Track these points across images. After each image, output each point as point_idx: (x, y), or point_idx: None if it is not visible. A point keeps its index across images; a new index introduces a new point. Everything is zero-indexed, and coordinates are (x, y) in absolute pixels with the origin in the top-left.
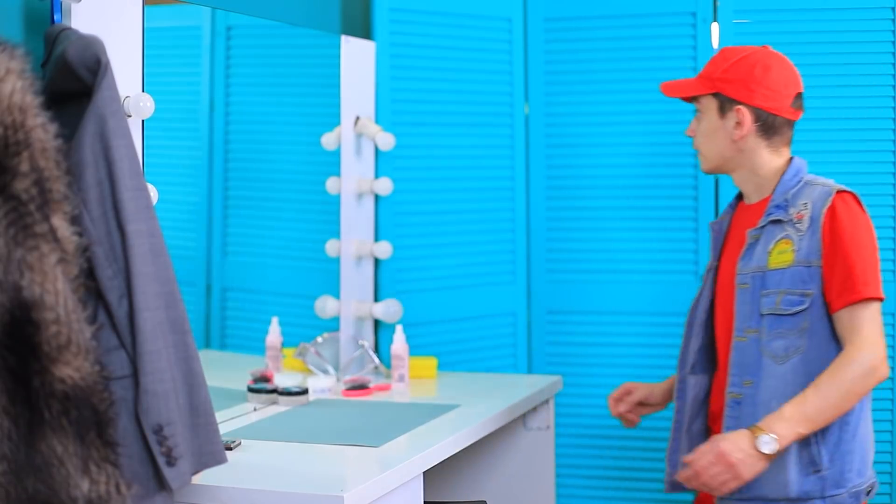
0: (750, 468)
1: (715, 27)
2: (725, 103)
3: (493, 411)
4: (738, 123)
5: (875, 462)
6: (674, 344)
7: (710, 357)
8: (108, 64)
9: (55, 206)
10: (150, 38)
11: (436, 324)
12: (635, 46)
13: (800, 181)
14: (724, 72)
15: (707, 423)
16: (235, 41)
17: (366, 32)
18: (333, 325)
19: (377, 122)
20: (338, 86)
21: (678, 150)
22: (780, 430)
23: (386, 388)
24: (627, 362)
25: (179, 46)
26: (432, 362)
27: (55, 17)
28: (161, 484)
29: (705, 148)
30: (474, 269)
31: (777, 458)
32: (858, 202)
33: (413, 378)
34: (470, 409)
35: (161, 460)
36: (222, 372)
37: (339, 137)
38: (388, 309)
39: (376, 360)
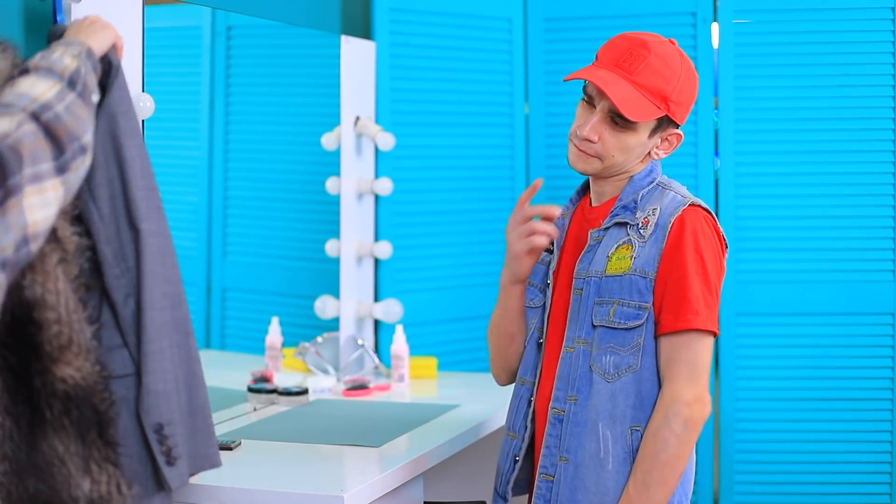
0: None
1: (715, 27)
2: (664, 124)
3: (493, 411)
4: (664, 144)
5: (875, 462)
6: None
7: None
8: (119, 65)
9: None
10: (150, 38)
11: (436, 324)
12: None
13: (652, 182)
14: (678, 94)
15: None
16: (235, 41)
17: (366, 32)
18: (333, 325)
19: (377, 122)
20: (338, 86)
21: (678, 149)
22: None
23: (386, 388)
24: None
25: (179, 46)
26: (432, 362)
27: (57, 17)
28: (160, 484)
29: (618, 161)
30: (474, 269)
31: (600, 490)
32: (713, 222)
33: (413, 378)
34: (470, 409)
35: (161, 459)
36: (222, 372)
37: (339, 137)
38: (388, 309)
39: (376, 360)
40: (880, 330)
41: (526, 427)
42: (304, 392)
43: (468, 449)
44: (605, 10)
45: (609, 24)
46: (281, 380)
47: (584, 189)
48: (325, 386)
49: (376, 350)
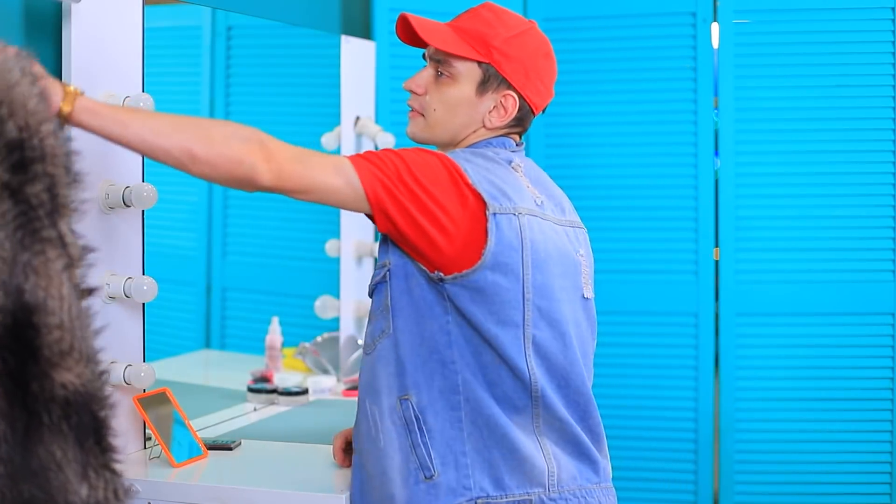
0: None
1: (715, 27)
2: (492, 80)
3: None
4: (499, 109)
5: (875, 462)
6: (676, 343)
7: None
8: None
9: (63, 212)
10: (150, 38)
11: None
12: (635, 46)
13: None
14: (504, 42)
15: None
16: (235, 41)
17: (366, 32)
18: (333, 325)
19: (377, 122)
20: (338, 86)
21: (678, 150)
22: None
23: None
24: (626, 362)
25: (179, 46)
26: None
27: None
28: None
29: (441, 118)
30: None
31: (378, 471)
32: (441, 156)
33: None
34: None
35: None
36: (222, 372)
37: (339, 137)
38: None
39: None
40: (880, 330)
41: None
42: (304, 392)
43: None
44: (604, 10)
45: (609, 23)
46: (281, 380)
47: None
48: (325, 386)
49: None
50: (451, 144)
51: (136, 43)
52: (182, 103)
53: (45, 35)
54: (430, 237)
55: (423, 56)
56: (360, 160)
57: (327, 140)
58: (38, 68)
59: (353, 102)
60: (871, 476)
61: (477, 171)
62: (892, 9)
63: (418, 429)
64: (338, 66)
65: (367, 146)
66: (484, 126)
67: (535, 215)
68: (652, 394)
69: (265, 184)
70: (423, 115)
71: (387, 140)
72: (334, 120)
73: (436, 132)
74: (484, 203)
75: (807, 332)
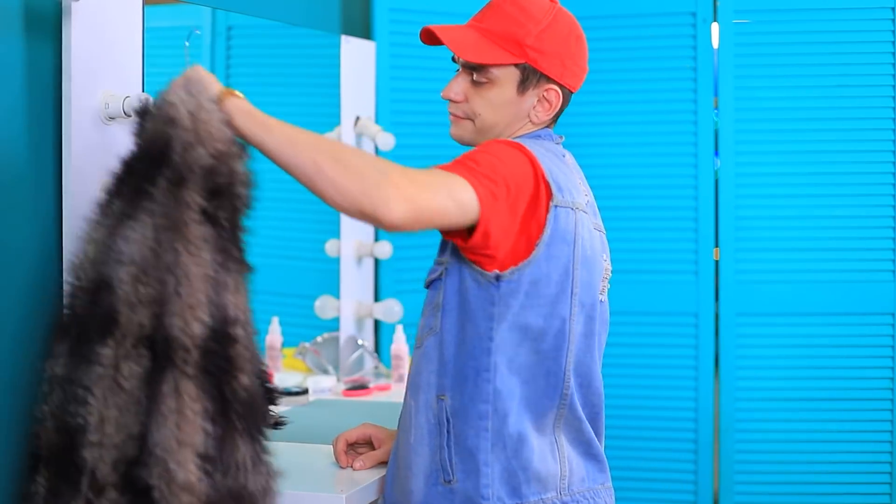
0: None
1: (715, 27)
2: (531, 78)
3: None
4: (543, 103)
5: (875, 462)
6: (676, 343)
7: None
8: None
9: (242, 232)
10: (150, 38)
11: None
12: (635, 46)
13: None
14: (537, 39)
15: None
16: (235, 41)
17: (366, 32)
18: (333, 325)
19: (377, 122)
20: (338, 86)
21: (678, 150)
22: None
23: (386, 388)
24: (625, 362)
25: (179, 46)
26: None
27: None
28: None
29: (489, 120)
30: None
31: (404, 464)
32: (518, 144)
33: None
34: None
35: None
36: None
37: (339, 137)
38: (388, 309)
39: (376, 360)
40: (880, 330)
41: None
42: (304, 392)
43: None
44: (605, 10)
45: (609, 23)
46: (281, 380)
47: None
48: (325, 386)
49: (376, 350)
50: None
51: (136, 43)
52: None
53: (45, 35)
54: (509, 238)
55: (453, 59)
56: (474, 177)
57: None
58: (209, 82)
59: (353, 102)
60: (871, 476)
61: (546, 162)
62: (892, 9)
63: (447, 432)
64: (338, 66)
65: (367, 146)
66: (530, 121)
67: (586, 212)
68: (652, 394)
69: (395, 221)
70: (468, 119)
71: (387, 140)
72: (334, 120)
73: (486, 135)
74: (551, 195)
75: (807, 332)
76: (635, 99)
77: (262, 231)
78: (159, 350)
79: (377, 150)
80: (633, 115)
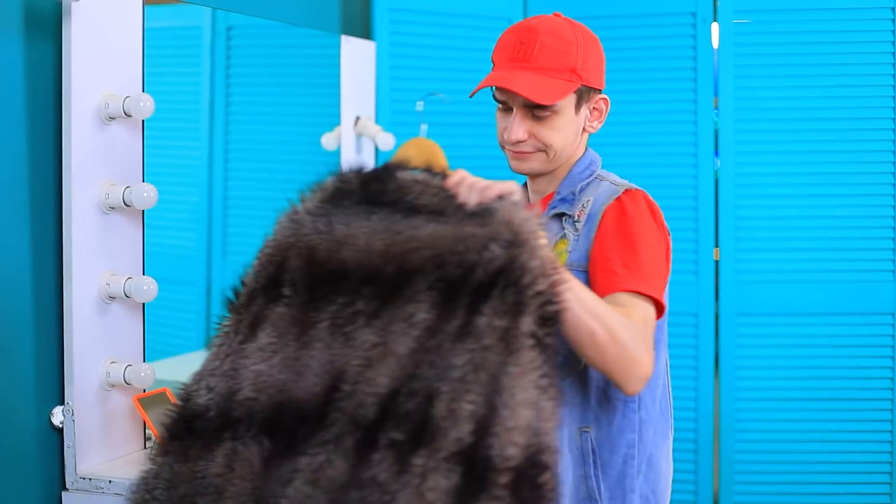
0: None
1: (715, 27)
2: (584, 95)
3: None
4: (594, 113)
5: (875, 462)
6: (676, 343)
7: None
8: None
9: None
10: (150, 38)
11: None
12: (635, 46)
13: (592, 174)
14: (583, 60)
15: None
16: (235, 41)
17: (366, 32)
18: None
19: (377, 122)
20: (338, 86)
21: (678, 150)
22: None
23: None
24: None
25: (179, 46)
26: None
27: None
28: None
29: (562, 147)
30: None
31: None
32: (649, 203)
33: None
34: None
35: None
36: None
37: (339, 137)
38: None
39: None
40: (880, 330)
41: None
42: None
43: None
44: (605, 10)
45: (609, 24)
46: None
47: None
48: None
49: None
50: (566, 162)
51: (136, 43)
52: (182, 103)
53: (45, 35)
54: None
55: (495, 98)
56: (656, 298)
57: (327, 140)
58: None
59: (353, 102)
60: (871, 476)
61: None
62: (892, 9)
63: (593, 462)
64: (338, 66)
65: (367, 146)
66: (585, 131)
67: None
68: None
69: (637, 392)
70: (541, 152)
71: (387, 140)
72: (334, 120)
73: (559, 159)
74: (669, 241)
75: (807, 332)
76: (635, 99)
77: (262, 231)
78: (477, 469)
79: (377, 150)
80: (633, 114)
